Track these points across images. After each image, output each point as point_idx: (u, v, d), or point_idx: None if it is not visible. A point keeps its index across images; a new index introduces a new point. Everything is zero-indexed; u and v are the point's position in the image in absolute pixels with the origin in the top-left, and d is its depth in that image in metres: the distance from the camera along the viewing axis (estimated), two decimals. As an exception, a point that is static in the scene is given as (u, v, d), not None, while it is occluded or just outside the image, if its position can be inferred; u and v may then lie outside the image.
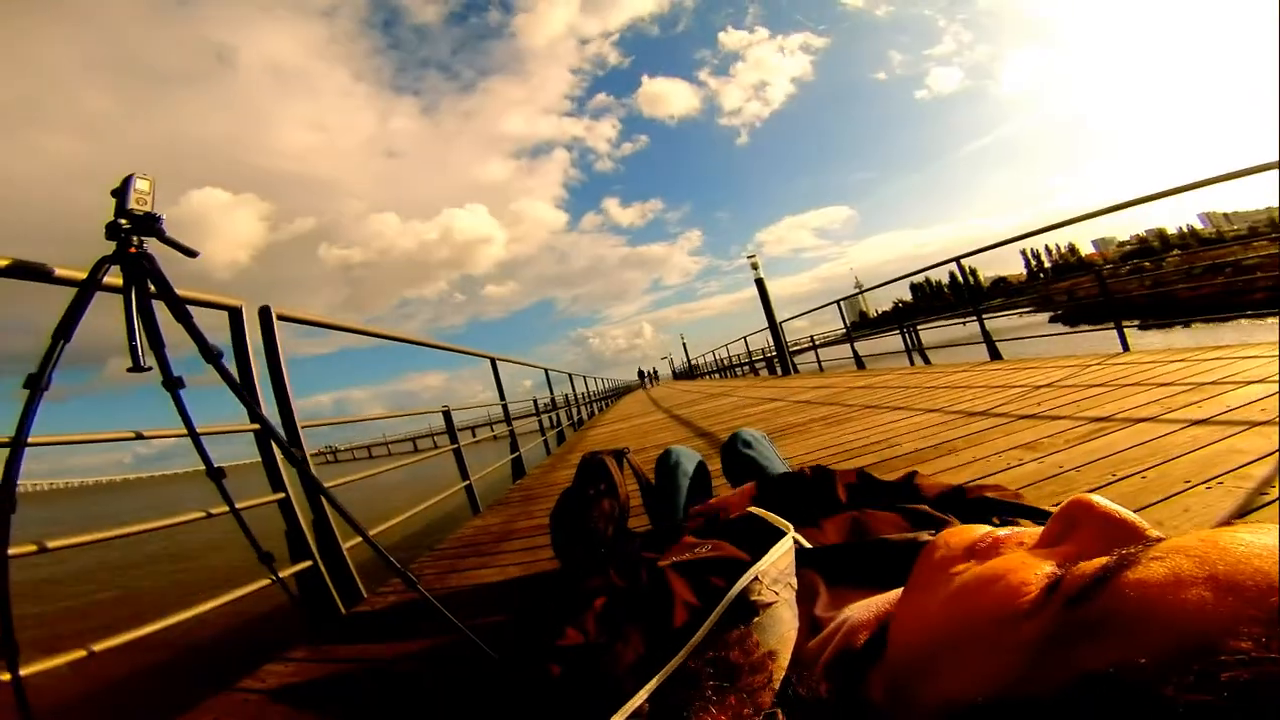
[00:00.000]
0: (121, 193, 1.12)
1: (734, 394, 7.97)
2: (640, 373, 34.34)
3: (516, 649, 1.15)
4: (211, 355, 1.19)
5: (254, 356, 1.88)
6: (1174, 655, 0.21)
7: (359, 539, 1.27)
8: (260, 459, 1.84)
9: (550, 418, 7.10)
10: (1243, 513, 1.12)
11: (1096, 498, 0.33)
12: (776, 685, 0.39)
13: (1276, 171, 3.10)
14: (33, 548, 1.12)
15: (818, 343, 11.37)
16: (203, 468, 1.30)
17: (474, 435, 4.87)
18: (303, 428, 1.99)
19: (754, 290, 12.69)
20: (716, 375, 21.03)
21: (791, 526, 0.58)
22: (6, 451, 1.01)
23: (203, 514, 1.48)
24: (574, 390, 9.45)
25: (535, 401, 6.54)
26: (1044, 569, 0.31)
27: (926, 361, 6.66)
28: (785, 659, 0.42)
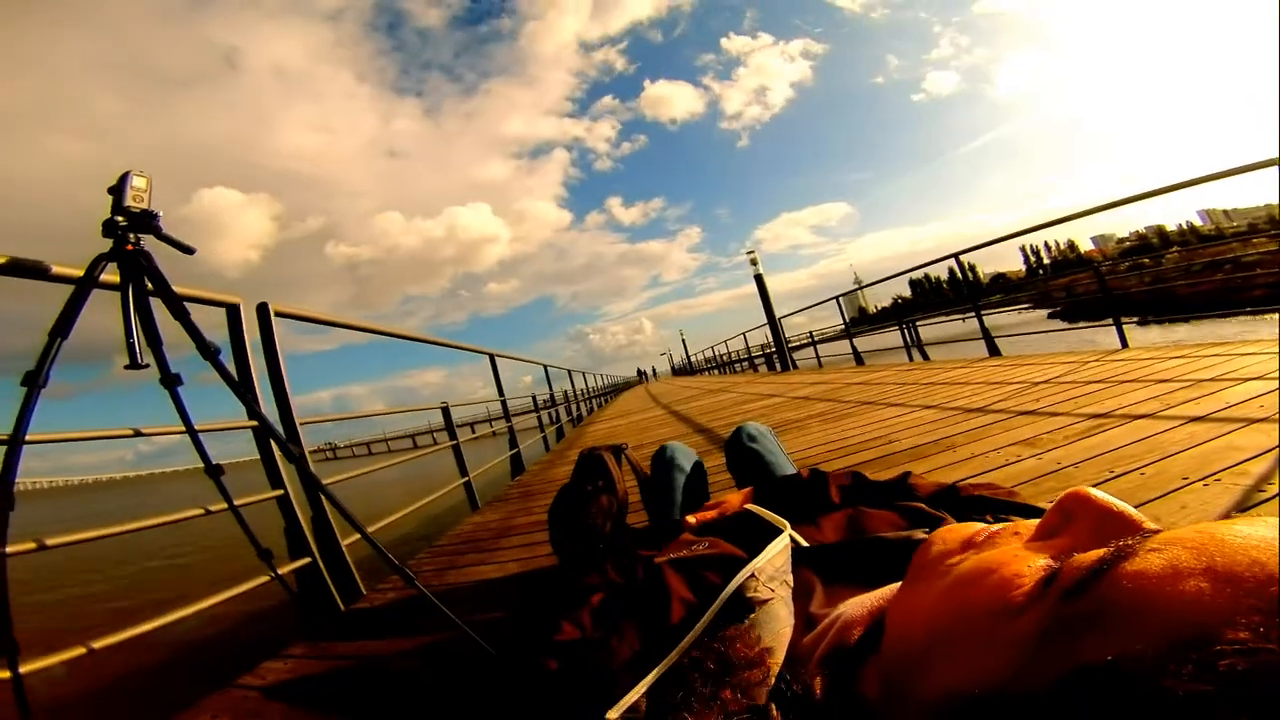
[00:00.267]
0: (118, 190, 1.12)
1: (733, 390, 7.97)
2: (639, 371, 40.75)
3: (514, 645, 1.16)
4: (209, 352, 1.19)
5: (252, 353, 1.87)
6: (1172, 646, 0.21)
7: (358, 536, 1.27)
8: (259, 456, 1.84)
9: (549, 414, 7.10)
10: (1240, 509, 1.12)
11: (1093, 490, 0.34)
12: (772, 681, 0.40)
13: (1276, 168, 3.09)
14: (31, 545, 1.12)
15: (817, 339, 11.37)
16: (202, 465, 1.30)
17: (473, 432, 4.86)
18: (301, 424, 1.98)
19: (752, 286, 12.69)
20: (716, 371, 21.04)
21: (788, 524, 0.58)
22: (4, 449, 1.01)
23: (202, 511, 1.48)
24: (573, 386, 9.45)
25: (534, 398, 6.54)
26: (1039, 562, 0.31)
27: (925, 358, 6.67)
28: (780, 655, 0.42)
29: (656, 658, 0.43)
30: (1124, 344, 3.99)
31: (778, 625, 0.45)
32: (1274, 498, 1.13)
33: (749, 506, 0.64)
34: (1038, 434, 2.00)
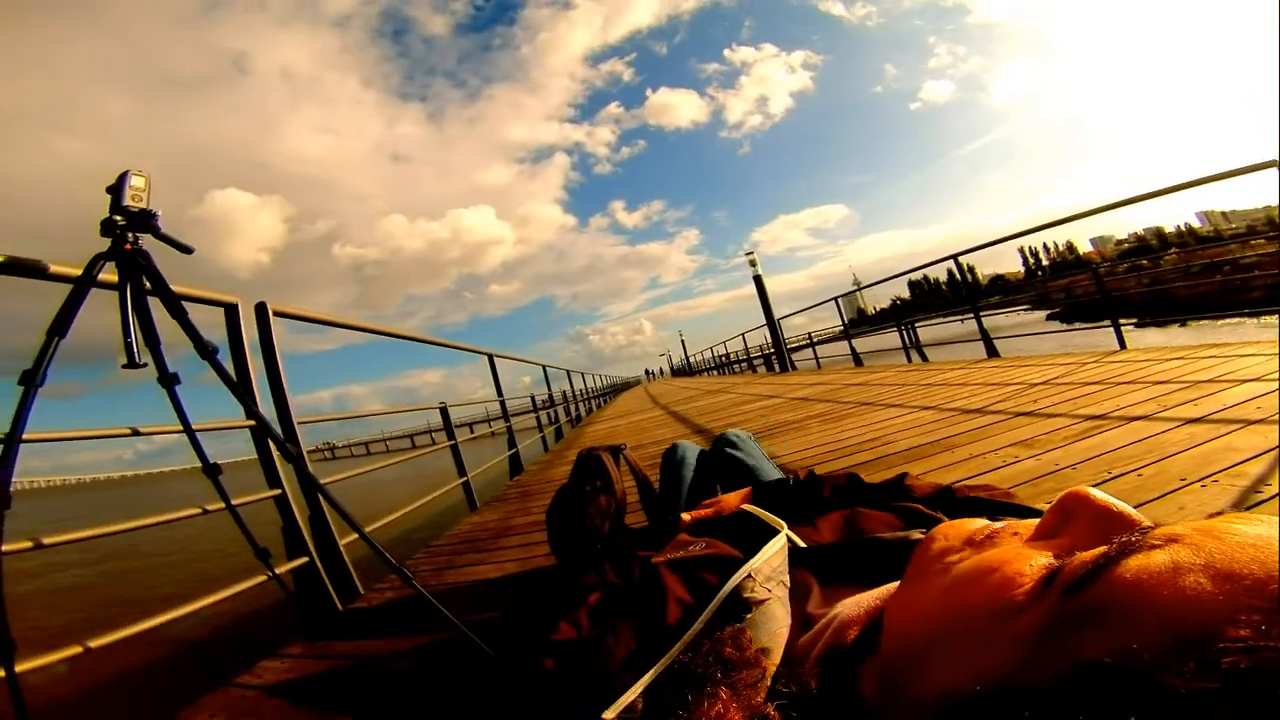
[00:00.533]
0: (117, 189, 1.12)
1: (732, 391, 7.97)
2: (647, 371, 46.42)
3: (512, 645, 1.16)
4: (207, 351, 1.19)
5: (250, 353, 1.87)
6: (1173, 643, 0.22)
7: (356, 535, 1.27)
8: (257, 456, 1.84)
9: (548, 414, 7.10)
10: (1236, 510, 1.12)
11: (1092, 490, 0.34)
12: (768, 682, 0.40)
13: (1274, 170, 3.10)
14: (28, 544, 1.12)
15: (815, 340, 11.37)
16: (200, 465, 1.30)
17: (472, 432, 4.86)
18: (299, 424, 1.98)
19: (750, 288, 12.68)
20: (715, 372, 21.04)
21: (785, 524, 0.58)
22: (1, 448, 1.01)
23: (199, 510, 1.48)
24: (571, 387, 9.45)
25: (533, 398, 6.54)
26: (1040, 560, 0.31)
27: (924, 359, 6.67)
28: (778, 656, 0.42)
29: (653, 658, 0.43)
30: (1122, 345, 3.99)
31: (775, 625, 0.45)
32: (1272, 498, 1.14)
33: (746, 507, 0.64)
34: (1036, 435, 2.00)
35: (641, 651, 0.45)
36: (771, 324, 11.99)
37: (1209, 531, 0.25)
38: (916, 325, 7.87)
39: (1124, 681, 0.22)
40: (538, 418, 6.47)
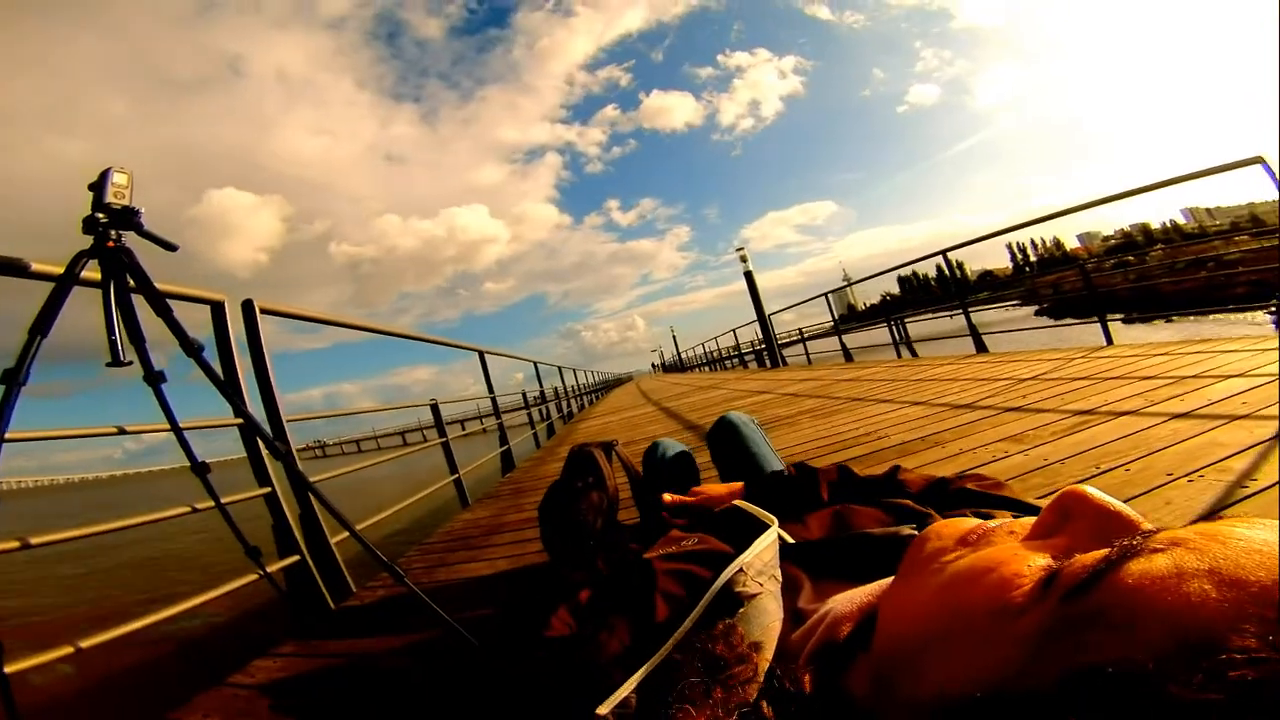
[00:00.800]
0: (99, 186, 1.10)
1: (723, 386, 7.99)
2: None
3: (504, 641, 1.15)
4: (193, 349, 1.18)
5: (238, 351, 1.86)
6: (1177, 649, 0.21)
7: (347, 533, 1.27)
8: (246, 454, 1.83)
9: (540, 411, 7.09)
10: (1224, 505, 1.13)
11: (1090, 489, 0.33)
12: (761, 677, 0.40)
13: (1259, 166, 3.14)
14: (15, 544, 1.11)
15: (806, 335, 11.41)
16: (188, 464, 1.29)
17: (463, 429, 4.84)
18: (288, 421, 1.97)
19: (741, 284, 12.72)
20: (706, 368, 21.08)
21: (775, 520, 0.58)
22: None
23: (188, 509, 1.47)
24: (563, 383, 9.44)
25: (525, 395, 6.52)
26: (1039, 561, 0.31)
27: (914, 354, 6.71)
28: (770, 651, 0.42)
29: (647, 653, 0.43)
30: (1109, 341, 4.03)
31: (767, 619, 0.45)
32: (1257, 493, 1.15)
33: (737, 502, 0.65)
34: (1024, 430, 2.02)
35: (635, 647, 0.44)
36: (762, 320, 12.02)
37: (1213, 536, 0.25)
38: (906, 321, 7.91)
39: (1127, 688, 0.22)
40: (529, 414, 6.46)
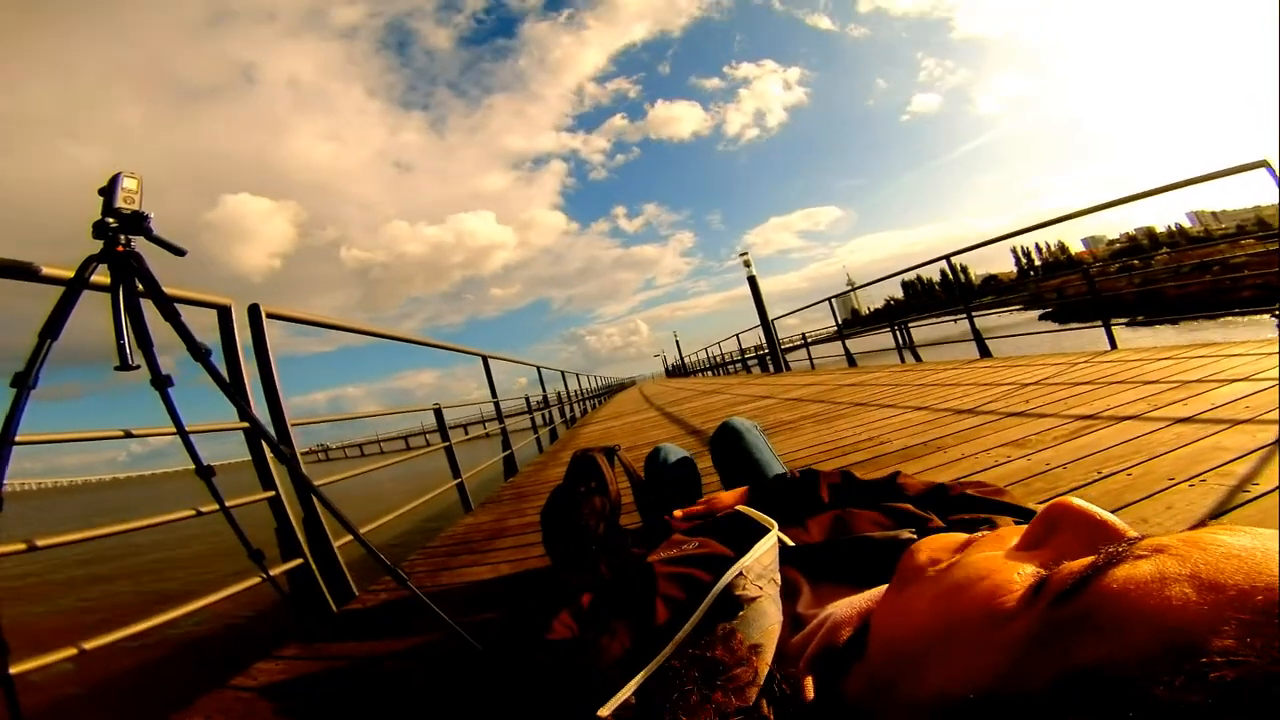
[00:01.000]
0: (109, 191, 1.12)
1: (726, 391, 7.98)
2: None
3: (506, 644, 1.16)
4: (200, 353, 1.19)
5: (243, 355, 1.87)
6: (1161, 652, 0.22)
7: (350, 537, 1.27)
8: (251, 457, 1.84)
9: (543, 415, 7.09)
10: (1223, 510, 1.13)
11: (1077, 500, 0.34)
12: (761, 680, 0.40)
13: (1264, 170, 3.13)
14: (21, 546, 1.12)
15: (809, 340, 11.41)
16: (193, 466, 1.29)
17: (466, 433, 4.85)
18: (293, 425, 1.98)
19: (744, 289, 12.74)
20: (709, 373, 21.07)
21: (776, 524, 0.58)
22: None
23: (193, 512, 1.48)
24: (566, 388, 9.45)
25: (527, 399, 6.53)
26: (1027, 569, 0.31)
27: (917, 359, 6.70)
28: (770, 654, 0.43)
29: (647, 655, 0.43)
30: (1113, 345, 4.02)
31: (766, 622, 0.45)
32: (1258, 498, 1.15)
33: (739, 507, 0.65)
34: (1027, 435, 2.01)
35: (636, 650, 0.45)
36: (765, 325, 12.02)
37: (1194, 542, 0.26)
38: (910, 325, 7.90)
39: (1114, 690, 0.22)
40: (532, 419, 6.47)
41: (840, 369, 7.70)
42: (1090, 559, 0.28)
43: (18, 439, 1.01)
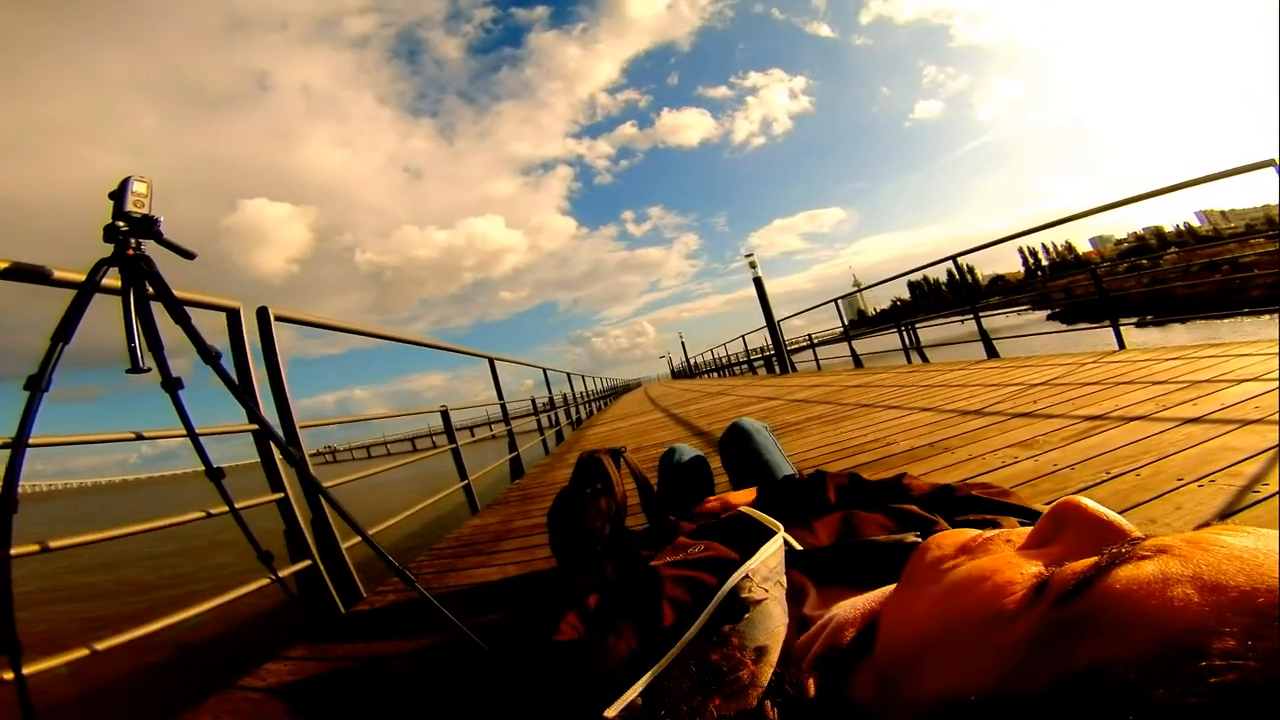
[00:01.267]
0: (119, 195, 1.13)
1: (732, 393, 7.97)
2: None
3: (513, 645, 1.16)
4: (210, 356, 1.20)
5: (252, 357, 1.88)
6: (1161, 653, 0.22)
7: (358, 538, 1.28)
8: (259, 459, 1.85)
9: (549, 417, 7.10)
10: (1234, 510, 1.12)
11: (1084, 500, 0.34)
12: (766, 681, 0.40)
13: (1273, 169, 3.11)
14: (35, 547, 1.13)
15: (815, 341, 11.38)
16: (203, 468, 1.30)
17: (473, 435, 4.86)
18: (301, 428, 1.99)
19: (749, 290, 12.72)
20: (714, 374, 21.04)
21: (781, 526, 0.59)
22: (7, 453, 1.02)
23: (203, 514, 1.49)
24: (572, 390, 9.46)
25: (534, 401, 6.54)
26: (1031, 569, 0.31)
27: (924, 360, 6.68)
28: (775, 655, 0.43)
29: (653, 658, 0.44)
30: (1121, 345, 4.00)
31: (772, 625, 0.46)
32: (1269, 498, 1.14)
33: (744, 509, 0.65)
34: (1034, 436, 2.01)
35: (642, 651, 0.45)
36: (771, 326, 12.00)
37: (1197, 543, 0.26)
38: (916, 326, 7.88)
39: (1115, 692, 0.22)
40: (538, 420, 6.48)
41: (846, 370, 7.68)
42: (1093, 559, 0.28)
43: (31, 441, 1.02)
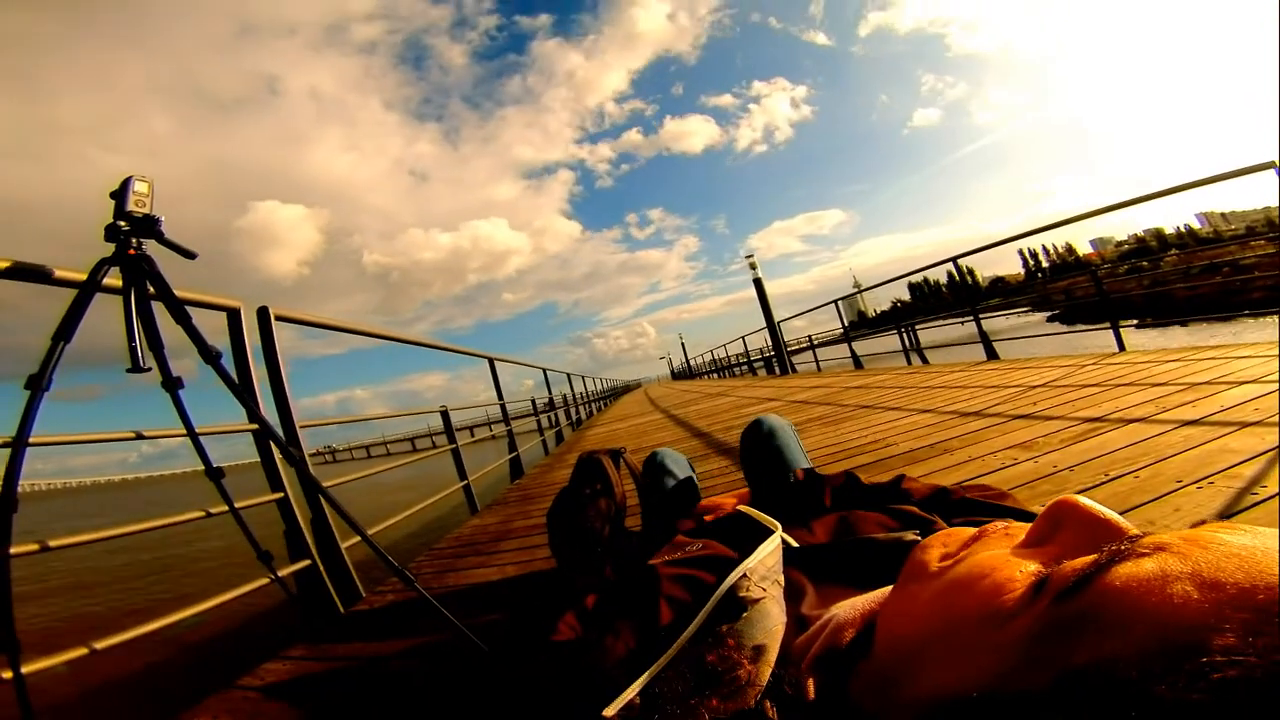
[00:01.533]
0: (120, 195, 1.13)
1: (731, 394, 7.97)
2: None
3: (512, 645, 1.16)
4: (210, 356, 1.20)
5: (252, 357, 1.88)
6: (1161, 650, 0.22)
7: (357, 538, 1.28)
8: (259, 459, 1.85)
9: (549, 418, 7.10)
10: (1231, 512, 1.13)
11: (1081, 499, 0.34)
12: (764, 681, 0.40)
13: (1273, 171, 3.11)
14: (34, 546, 1.13)
15: (815, 343, 11.38)
16: (202, 468, 1.31)
17: (472, 435, 4.86)
18: (301, 427, 1.99)
19: (748, 292, 12.73)
20: (714, 375, 21.03)
21: (779, 525, 0.59)
22: (8, 452, 1.02)
23: (202, 514, 1.49)
24: (572, 390, 9.46)
25: (534, 402, 6.55)
26: (1030, 568, 0.32)
27: (924, 361, 6.68)
28: (773, 655, 0.43)
29: (651, 657, 0.44)
30: (1121, 347, 4.00)
31: (770, 623, 0.46)
32: (1268, 499, 1.14)
33: (741, 508, 0.65)
34: (1034, 437, 2.01)
35: (640, 650, 0.45)
36: (771, 327, 12.00)
37: (1195, 540, 0.26)
38: (916, 328, 7.88)
39: (1116, 689, 0.22)
40: (538, 421, 6.47)
41: (846, 371, 7.68)
42: (1092, 557, 0.28)
43: (31, 440, 1.03)
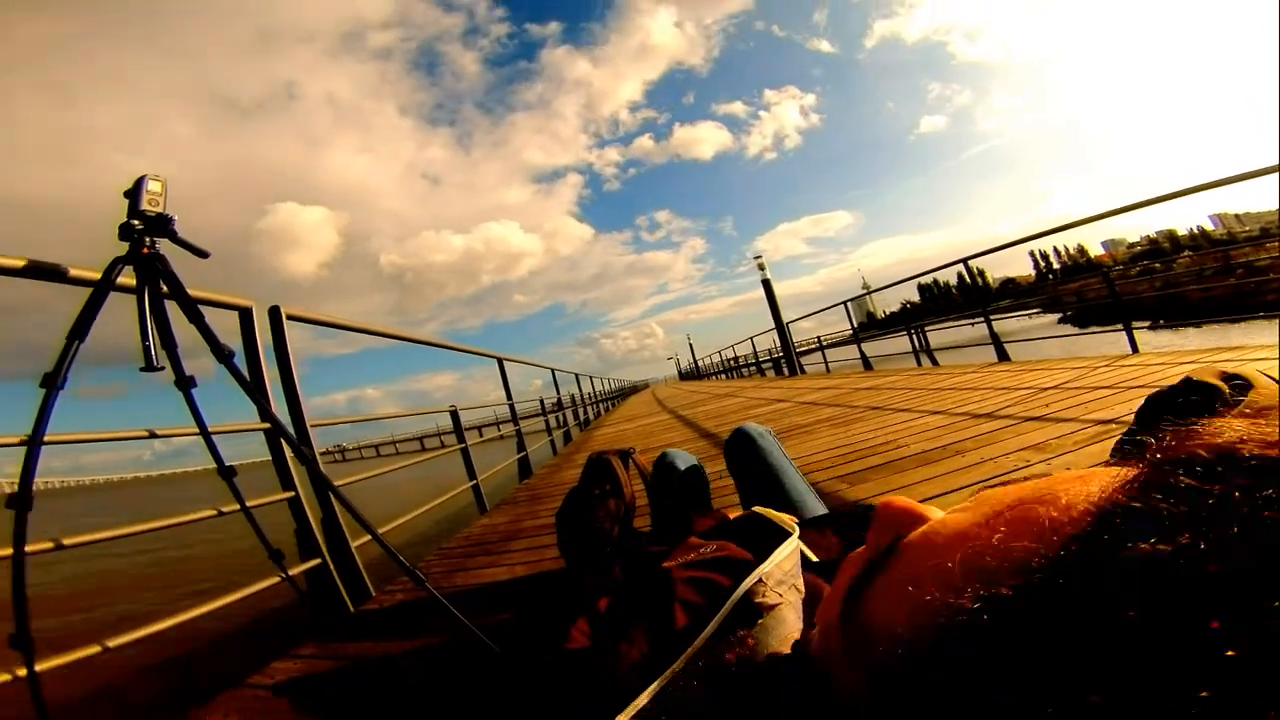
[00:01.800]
0: (134, 194, 1.13)
1: (740, 395, 7.95)
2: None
3: (522, 647, 1.16)
4: (223, 355, 1.20)
5: (264, 356, 1.89)
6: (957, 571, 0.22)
7: (367, 537, 1.28)
8: (270, 457, 1.86)
9: (557, 418, 7.11)
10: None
11: (894, 498, 0.33)
12: (779, 688, 0.40)
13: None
14: (49, 544, 1.14)
15: (825, 344, 11.34)
16: (214, 466, 1.31)
17: (481, 435, 4.87)
18: (312, 426, 2.00)
19: (757, 292, 12.70)
20: (722, 376, 20.99)
21: (797, 526, 0.58)
22: (25, 450, 1.03)
23: (214, 512, 1.50)
24: (580, 391, 9.46)
25: (542, 402, 6.55)
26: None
27: (934, 363, 6.64)
28: None
29: (664, 662, 0.43)
30: (1134, 349, 3.96)
31: (786, 631, 0.45)
32: None
33: (757, 509, 0.64)
34: (1047, 439, 1.99)
35: (654, 655, 0.45)
36: (780, 328, 11.97)
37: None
38: (926, 329, 7.83)
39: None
40: (546, 421, 6.48)
41: (856, 372, 7.64)
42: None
43: (47, 438, 1.03)
